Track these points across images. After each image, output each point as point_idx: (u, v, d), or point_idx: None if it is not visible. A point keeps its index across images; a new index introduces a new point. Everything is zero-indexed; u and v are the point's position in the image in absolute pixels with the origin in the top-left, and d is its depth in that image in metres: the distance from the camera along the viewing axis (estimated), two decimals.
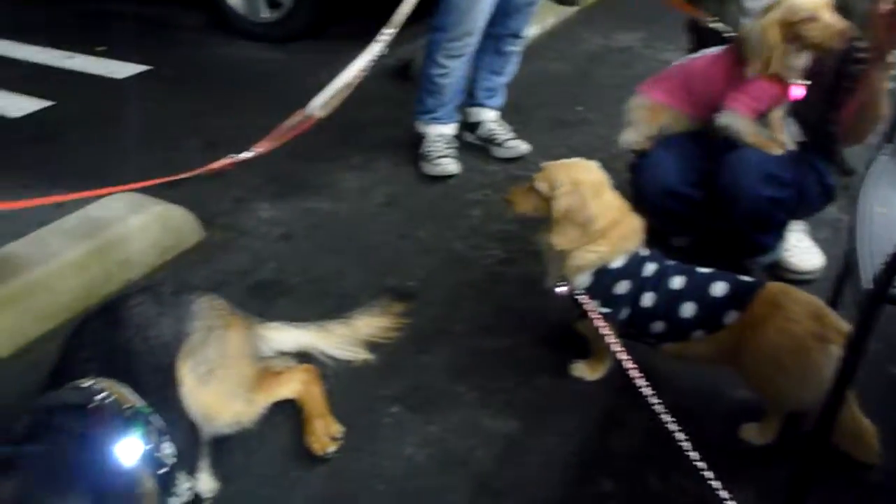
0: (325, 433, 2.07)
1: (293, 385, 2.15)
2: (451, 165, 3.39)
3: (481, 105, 3.62)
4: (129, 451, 1.53)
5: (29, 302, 2.47)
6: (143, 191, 2.94)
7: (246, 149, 2.31)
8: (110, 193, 2.69)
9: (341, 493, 1.95)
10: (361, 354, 2.34)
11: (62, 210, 3.06)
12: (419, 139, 3.48)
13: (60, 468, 1.41)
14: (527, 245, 2.90)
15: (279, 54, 4.88)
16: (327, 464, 2.03)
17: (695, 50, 2.78)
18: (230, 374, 1.95)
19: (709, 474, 1.69)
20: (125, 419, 1.57)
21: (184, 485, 1.71)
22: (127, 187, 2.64)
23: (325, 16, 5.02)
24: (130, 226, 2.78)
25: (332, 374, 2.30)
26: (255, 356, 2.10)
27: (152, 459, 1.59)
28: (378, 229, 3.05)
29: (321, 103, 2.39)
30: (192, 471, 1.77)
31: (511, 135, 3.59)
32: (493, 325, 2.52)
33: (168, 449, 1.65)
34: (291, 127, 2.35)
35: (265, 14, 5.03)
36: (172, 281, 2.61)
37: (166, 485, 1.64)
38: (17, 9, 5.82)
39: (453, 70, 3.31)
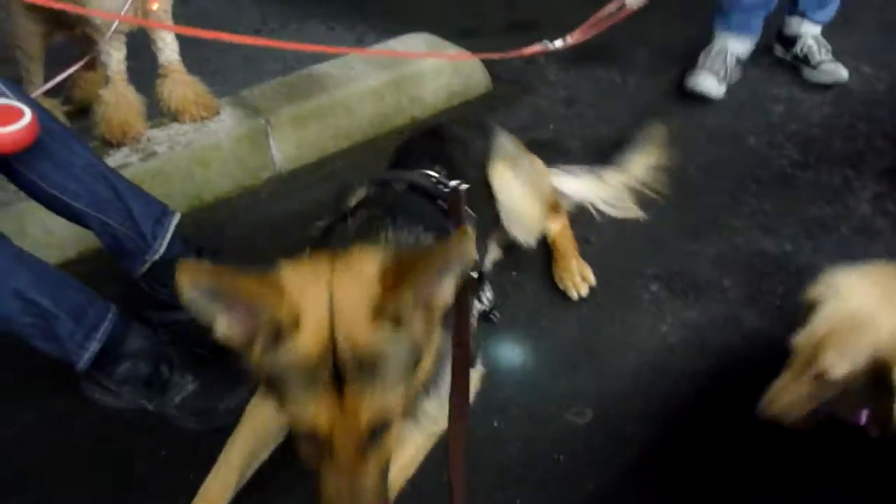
0: (580, 273, 2.10)
1: (558, 222, 2.18)
2: (712, 86, 2.85)
3: (803, 16, 3.00)
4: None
5: (330, 119, 2.67)
6: (441, 34, 3.04)
7: (559, 37, 2.32)
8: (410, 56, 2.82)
9: (589, 350, 1.96)
10: (633, 212, 2.31)
11: (365, 41, 3.26)
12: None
13: (410, 210, 1.55)
14: (826, 152, 2.64)
15: None
16: (578, 319, 2.04)
17: None
18: (540, 184, 2.08)
19: None
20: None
21: (487, 293, 1.78)
22: (441, 55, 2.73)
23: None
24: (426, 65, 2.88)
25: (597, 238, 2.29)
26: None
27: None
28: (661, 108, 2.89)
29: None
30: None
31: (829, 57, 3.00)
32: (774, 226, 2.34)
33: (477, 256, 1.66)
34: (606, 17, 2.28)
35: None
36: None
37: (476, 287, 1.68)
38: None
39: None
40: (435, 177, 1.71)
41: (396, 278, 1.09)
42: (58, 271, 1.70)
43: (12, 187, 1.91)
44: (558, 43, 2.29)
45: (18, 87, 1.82)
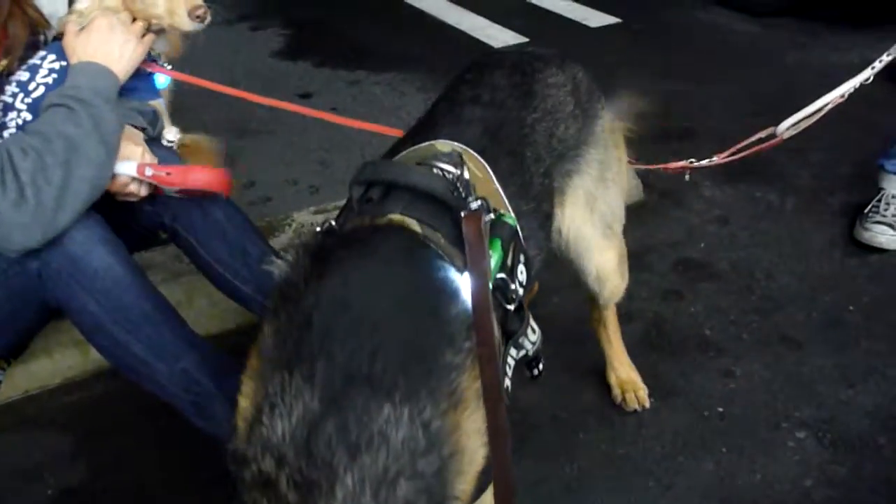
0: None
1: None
2: (891, 240, 2.65)
3: None
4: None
5: None
6: None
7: (706, 156, 2.35)
8: None
9: (725, 498, 1.88)
10: None
11: None
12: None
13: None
14: None
15: (753, 27, 4.64)
16: (715, 460, 1.97)
17: None
18: (617, 227, 1.85)
19: None
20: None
21: (531, 335, 1.25)
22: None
23: None
24: None
25: (742, 371, 2.21)
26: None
27: (501, 287, 1.18)
28: (821, 237, 2.79)
29: (791, 124, 2.27)
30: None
31: None
32: None
33: (522, 275, 1.23)
34: (755, 143, 2.29)
35: None
36: None
37: (510, 327, 1.21)
38: None
39: None
40: (449, 171, 1.19)
41: None
42: (222, 355, 1.82)
43: (186, 260, 2.08)
44: (704, 162, 2.31)
45: None
